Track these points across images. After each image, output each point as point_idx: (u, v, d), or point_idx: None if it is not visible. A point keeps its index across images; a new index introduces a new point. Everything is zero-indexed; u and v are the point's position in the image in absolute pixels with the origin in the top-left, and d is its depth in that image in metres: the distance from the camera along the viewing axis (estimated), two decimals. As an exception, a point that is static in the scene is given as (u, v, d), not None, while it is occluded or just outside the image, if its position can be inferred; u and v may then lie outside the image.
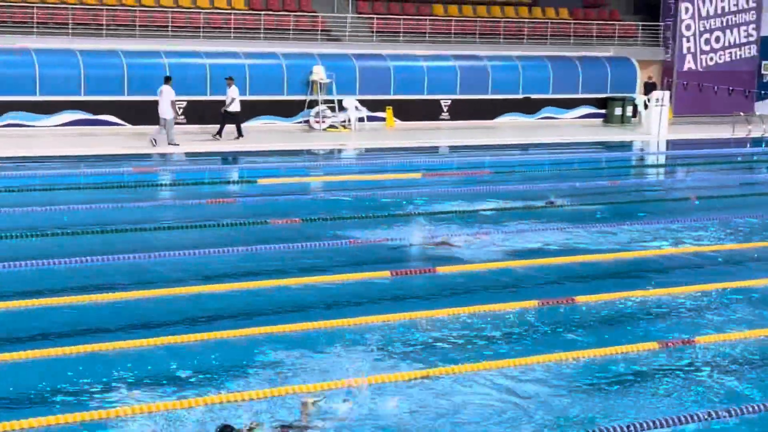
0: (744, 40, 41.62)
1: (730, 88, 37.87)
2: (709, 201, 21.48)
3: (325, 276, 14.10)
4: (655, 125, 34.10)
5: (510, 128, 35.00)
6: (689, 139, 33.84)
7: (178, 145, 27.63)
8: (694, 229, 18.04)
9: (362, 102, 33.53)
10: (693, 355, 11.22)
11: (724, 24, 41.11)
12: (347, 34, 36.23)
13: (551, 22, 39.84)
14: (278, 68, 32.71)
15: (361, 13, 37.53)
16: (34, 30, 31.34)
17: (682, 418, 9.23)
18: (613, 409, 9.59)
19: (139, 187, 21.69)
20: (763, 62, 41.87)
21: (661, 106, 34.15)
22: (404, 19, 37.34)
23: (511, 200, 20.50)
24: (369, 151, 29.24)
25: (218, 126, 29.28)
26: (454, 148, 30.41)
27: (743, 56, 41.64)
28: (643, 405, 9.71)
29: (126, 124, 30.43)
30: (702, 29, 40.75)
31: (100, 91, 30.24)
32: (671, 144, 33.28)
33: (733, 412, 9.40)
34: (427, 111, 35.10)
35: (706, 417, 9.27)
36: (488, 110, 36.06)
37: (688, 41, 40.62)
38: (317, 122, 32.64)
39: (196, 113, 30.81)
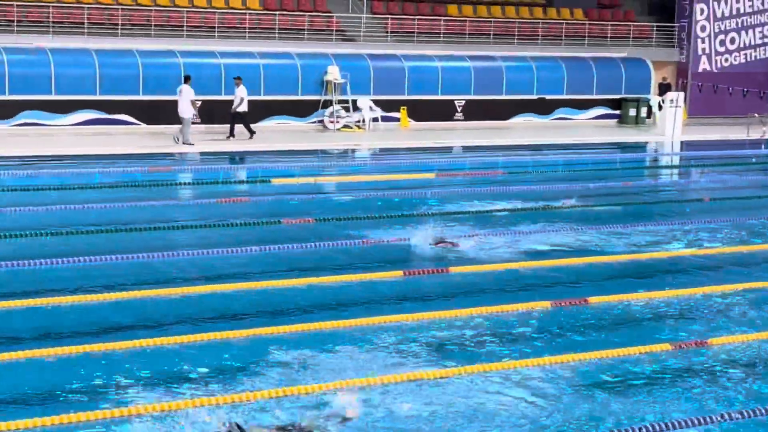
0: (759, 42, 41.48)
1: (745, 89, 37.72)
2: (723, 202, 21.42)
3: (337, 276, 14.12)
4: (670, 126, 34.04)
5: (524, 129, 34.98)
6: (704, 141, 33.73)
7: (193, 144, 27.72)
8: (709, 231, 17.99)
9: (376, 102, 33.56)
10: (706, 356, 11.20)
11: (740, 25, 40.98)
12: (362, 34, 36.26)
13: (566, 23, 39.78)
14: (293, 68, 32.75)
15: (375, 14, 37.55)
16: (50, 29, 31.49)
17: (696, 420, 9.21)
18: (627, 410, 9.58)
19: (153, 186, 21.74)
20: (779, 64, 41.80)
21: (676, 107, 34.09)
22: (419, 19, 37.35)
23: (525, 201, 20.48)
24: (383, 151, 29.27)
25: (229, 127, 29.36)
26: (468, 149, 30.40)
27: (758, 57, 41.50)
28: (659, 406, 9.69)
29: (141, 123, 30.54)
30: (717, 30, 40.64)
31: (115, 91, 30.36)
32: (685, 145, 33.20)
33: (746, 414, 9.38)
34: (442, 111, 35.09)
35: (719, 419, 9.26)
36: (502, 111, 36.04)
37: (703, 42, 40.52)
38: (331, 122, 32.68)
39: (210, 113, 30.86)
